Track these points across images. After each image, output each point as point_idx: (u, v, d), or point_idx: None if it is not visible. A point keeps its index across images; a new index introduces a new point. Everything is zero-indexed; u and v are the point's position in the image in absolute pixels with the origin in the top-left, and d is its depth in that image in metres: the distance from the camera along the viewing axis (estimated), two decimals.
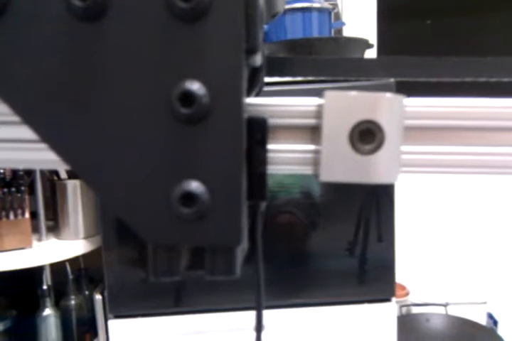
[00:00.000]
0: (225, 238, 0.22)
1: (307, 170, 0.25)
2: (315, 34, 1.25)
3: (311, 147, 0.25)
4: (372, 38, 1.64)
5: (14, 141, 0.25)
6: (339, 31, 1.41)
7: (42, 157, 0.24)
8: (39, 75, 0.22)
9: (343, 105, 0.22)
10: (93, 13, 0.21)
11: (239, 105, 0.21)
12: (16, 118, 0.22)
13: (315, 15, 1.25)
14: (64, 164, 0.22)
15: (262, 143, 0.23)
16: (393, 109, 0.22)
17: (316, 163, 0.24)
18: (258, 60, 0.24)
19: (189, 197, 0.22)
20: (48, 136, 0.22)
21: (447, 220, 1.80)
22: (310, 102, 0.24)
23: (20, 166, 0.25)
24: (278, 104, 0.24)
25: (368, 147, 0.22)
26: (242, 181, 0.22)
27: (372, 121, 0.22)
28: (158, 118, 0.22)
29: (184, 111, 0.21)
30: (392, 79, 1.06)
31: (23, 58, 0.22)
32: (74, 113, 0.22)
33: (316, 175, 0.23)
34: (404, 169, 0.24)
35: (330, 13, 1.28)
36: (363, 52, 1.19)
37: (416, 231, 1.79)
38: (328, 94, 0.22)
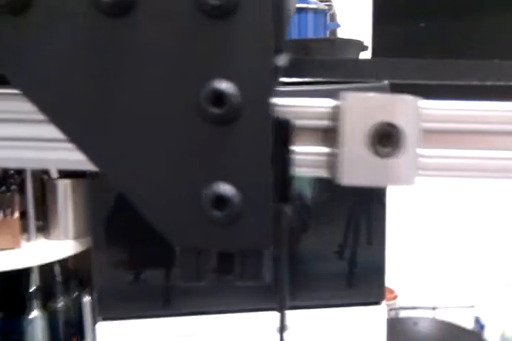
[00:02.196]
0: (255, 242, 0.22)
1: (321, 172, 0.24)
2: (310, 35, 1.26)
3: (325, 149, 0.24)
4: (367, 39, 1.64)
5: (40, 140, 0.24)
6: (334, 32, 1.42)
7: (69, 157, 0.24)
8: (65, 72, 0.21)
9: (361, 107, 0.22)
10: (120, 8, 0.20)
11: (269, 105, 0.21)
12: (41, 116, 0.22)
13: (310, 16, 1.25)
14: (91, 165, 0.22)
15: (286, 144, 0.23)
16: (411, 111, 0.22)
17: (330, 165, 0.24)
18: (282, 59, 0.24)
19: (221, 200, 0.21)
20: (75, 136, 0.22)
21: (436, 224, 1.81)
22: (324, 103, 0.24)
23: (46, 166, 0.24)
24: (291, 104, 0.24)
25: (386, 150, 0.22)
26: (272, 183, 0.22)
27: (391, 124, 0.22)
28: (188, 119, 0.21)
29: (215, 111, 0.21)
30: (386, 81, 1.06)
31: (49, 54, 0.21)
32: (101, 113, 0.21)
33: (332, 178, 0.23)
34: (421, 172, 0.24)
35: (325, 14, 1.28)
36: (357, 54, 1.20)
37: (404, 234, 1.80)
38: (346, 95, 0.22)
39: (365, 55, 1.34)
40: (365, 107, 0.22)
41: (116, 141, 0.22)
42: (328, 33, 1.30)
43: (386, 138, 0.22)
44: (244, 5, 0.21)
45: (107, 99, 0.21)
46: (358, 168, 0.22)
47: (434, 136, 0.24)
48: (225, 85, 0.21)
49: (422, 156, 0.23)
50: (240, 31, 0.21)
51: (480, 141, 0.24)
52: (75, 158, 0.23)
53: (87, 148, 0.22)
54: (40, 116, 0.22)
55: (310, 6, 1.23)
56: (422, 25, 1.81)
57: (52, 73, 0.21)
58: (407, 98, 0.22)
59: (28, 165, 0.25)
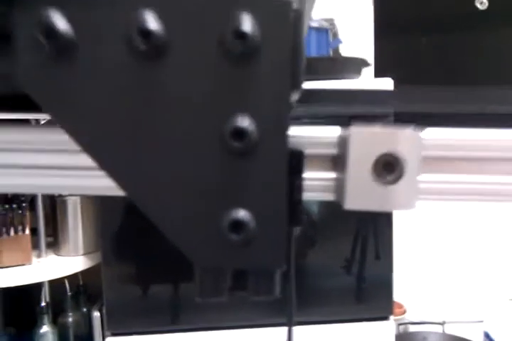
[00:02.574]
0: (269, 262, 0.24)
1: (329, 197, 0.26)
2: (313, 53, 1.28)
3: (333, 175, 0.26)
4: (369, 55, 1.66)
5: (73, 168, 0.27)
6: (336, 49, 1.44)
7: (100, 184, 0.26)
8: (101, 109, 0.24)
9: (367, 139, 0.24)
10: (154, 53, 0.23)
11: (285, 139, 0.23)
12: (75, 146, 0.24)
13: (313, 34, 1.27)
14: (120, 191, 0.24)
15: (299, 172, 0.25)
16: (413, 143, 0.24)
17: (337, 190, 0.26)
18: (297, 95, 0.26)
19: (238, 225, 0.23)
20: (106, 164, 0.24)
21: (444, 239, 1.81)
22: (332, 133, 0.26)
23: (80, 192, 0.27)
24: (303, 134, 0.26)
25: (389, 177, 0.24)
26: (285, 209, 0.24)
27: (394, 154, 0.24)
28: (212, 152, 0.24)
29: (236, 145, 0.23)
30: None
31: (88, 94, 0.24)
32: (132, 144, 0.24)
33: (339, 203, 0.25)
34: (422, 197, 0.25)
35: (327, 32, 1.30)
36: (360, 71, 1.22)
37: (413, 249, 1.80)
38: (353, 129, 0.24)
39: (368, 71, 1.35)
40: (370, 139, 0.24)
41: (145, 170, 0.24)
42: (330, 50, 1.32)
43: (389, 167, 0.24)
44: (265, 50, 0.23)
45: (139, 131, 0.24)
46: (362, 194, 0.24)
47: (434, 162, 0.26)
48: (246, 122, 0.23)
49: (423, 182, 0.25)
50: (261, 73, 0.23)
51: (477, 167, 0.26)
52: (104, 185, 0.25)
53: (117, 175, 0.24)
54: (73, 147, 0.24)
55: (312, 24, 1.26)
56: (423, 40, 1.83)
57: (91, 109, 0.24)
58: (409, 130, 0.24)
59: (60, 191, 0.28)
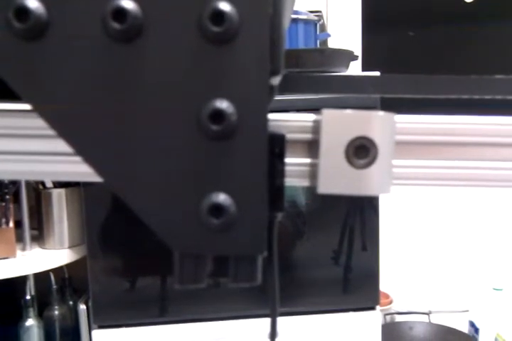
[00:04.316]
0: (249, 247, 0.24)
1: (305, 182, 0.26)
2: (301, 45, 1.27)
3: (308, 160, 0.26)
4: (357, 49, 1.66)
5: (49, 154, 0.26)
6: (324, 42, 1.43)
7: (77, 169, 0.25)
8: (76, 92, 0.23)
9: (339, 122, 0.24)
10: (129, 35, 0.22)
11: (264, 123, 0.23)
12: (51, 131, 0.24)
13: (301, 26, 1.27)
14: (97, 176, 0.24)
15: (280, 157, 0.25)
16: (385, 126, 0.24)
17: (313, 175, 0.25)
18: (278, 79, 0.25)
19: (217, 209, 0.23)
20: (82, 149, 0.23)
21: (430, 230, 1.82)
22: (307, 118, 0.26)
23: (55, 178, 0.26)
24: (278, 119, 0.26)
25: (362, 161, 0.24)
26: (266, 193, 0.23)
27: (367, 137, 0.24)
28: (190, 135, 0.23)
29: (214, 128, 0.23)
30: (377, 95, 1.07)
31: (62, 76, 0.23)
32: (108, 128, 0.23)
33: (313, 188, 0.24)
34: (396, 182, 0.25)
35: (315, 24, 1.30)
36: (348, 64, 1.21)
37: (399, 240, 1.81)
38: (325, 112, 0.24)
39: (355, 64, 1.35)
40: (343, 122, 0.24)
41: (121, 154, 0.23)
42: (318, 43, 1.32)
43: (362, 151, 0.24)
44: (243, 32, 0.23)
45: (115, 115, 0.23)
46: (335, 178, 0.24)
47: (407, 147, 0.25)
48: (223, 104, 0.23)
49: (397, 166, 0.25)
50: (239, 55, 0.23)
51: (452, 152, 0.26)
52: (82, 171, 0.24)
53: (93, 160, 0.24)
54: (49, 132, 0.24)
55: (300, 16, 1.25)
56: (411, 34, 1.83)
57: (64, 93, 0.23)
58: (382, 114, 0.24)
59: (39, 178, 0.27)
